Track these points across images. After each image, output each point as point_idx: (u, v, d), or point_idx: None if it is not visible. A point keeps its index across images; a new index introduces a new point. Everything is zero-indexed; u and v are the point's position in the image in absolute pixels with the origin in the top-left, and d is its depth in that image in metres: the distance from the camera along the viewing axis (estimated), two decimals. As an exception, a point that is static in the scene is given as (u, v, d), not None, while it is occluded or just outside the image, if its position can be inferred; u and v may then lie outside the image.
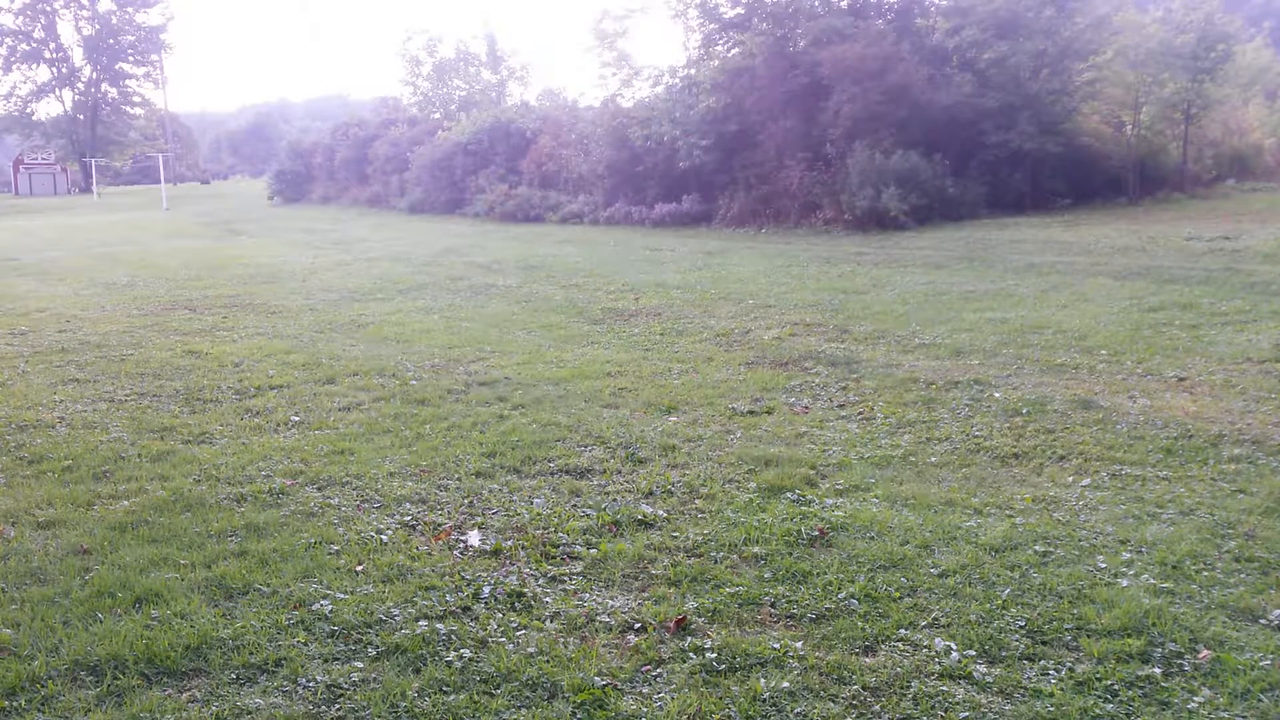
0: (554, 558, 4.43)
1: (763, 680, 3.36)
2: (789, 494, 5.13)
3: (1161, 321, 9.20)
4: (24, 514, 5.06)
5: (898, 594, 3.97)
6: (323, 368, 8.50)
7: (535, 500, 5.15)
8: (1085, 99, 22.02)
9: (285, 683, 3.42)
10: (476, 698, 3.31)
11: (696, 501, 5.07)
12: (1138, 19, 22.51)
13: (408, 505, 5.10)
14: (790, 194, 21.69)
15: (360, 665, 3.52)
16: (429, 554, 4.46)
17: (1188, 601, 3.83)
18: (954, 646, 3.54)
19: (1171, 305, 9.92)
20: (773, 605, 3.91)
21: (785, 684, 3.34)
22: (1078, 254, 14.20)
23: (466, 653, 3.58)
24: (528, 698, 3.32)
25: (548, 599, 4.02)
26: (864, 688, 3.32)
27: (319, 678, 3.44)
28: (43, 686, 3.42)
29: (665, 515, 4.88)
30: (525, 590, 4.07)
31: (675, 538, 4.60)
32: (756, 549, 4.43)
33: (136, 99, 75.09)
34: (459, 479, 5.49)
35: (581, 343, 9.46)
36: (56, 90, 72.94)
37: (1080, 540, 4.44)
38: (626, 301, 11.91)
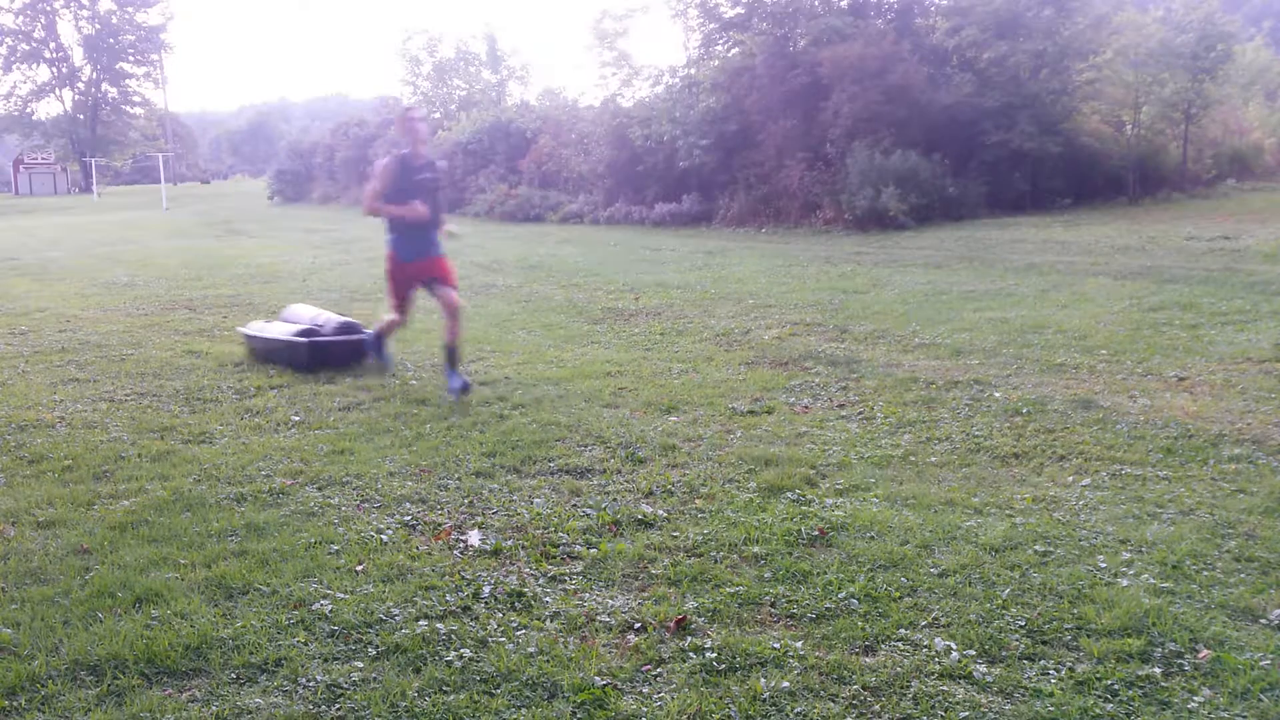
0: (554, 557, 4.43)
1: (763, 680, 3.36)
2: (789, 494, 5.13)
3: (1161, 321, 9.20)
4: (24, 514, 5.06)
5: (898, 594, 3.97)
6: (323, 367, 8.49)
7: (535, 500, 5.15)
8: (1085, 99, 22.01)
9: (285, 682, 3.42)
10: (476, 697, 3.31)
11: (696, 501, 5.07)
12: (1138, 19, 22.50)
13: (408, 505, 5.10)
14: (790, 194, 21.69)
15: (360, 665, 3.52)
16: (429, 554, 4.46)
17: (1188, 601, 3.83)
18: (954, 646, 3.54)
19: (1171, 305, 9.91)
20: (773, 605, 3.91)
21: (785, 684, 3.33)
22: (1078, 254, 14.20)
23: (467, 652, 3.58)
24: (528, 697, 3.32)
25: (548, 599, 4.02)
26: (864, 687, 3.32)
27: (319, 677, 3.44)
28: (43, 686, 3.42)
29: (665, 515, 4.88)
30: (525, 590, 4.07)
31: (675, 537, 4.60)
32: (756, 549, 4.43)
33: (137, 99, 75.17)
34: (459, 479, 5.49)
35: (581, 342, 9.46)
36: (56, 90, 72.97)
37: (1080, 540, 4.44)
38: (626, 301, 11.91)
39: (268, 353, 8.72)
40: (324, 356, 8.30)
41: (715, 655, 3.52)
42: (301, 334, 8.38)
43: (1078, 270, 12.62)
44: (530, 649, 3.60)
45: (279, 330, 8.69)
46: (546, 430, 6.40)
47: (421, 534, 4.73)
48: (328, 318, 8.82)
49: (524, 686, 3.37)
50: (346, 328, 8.59)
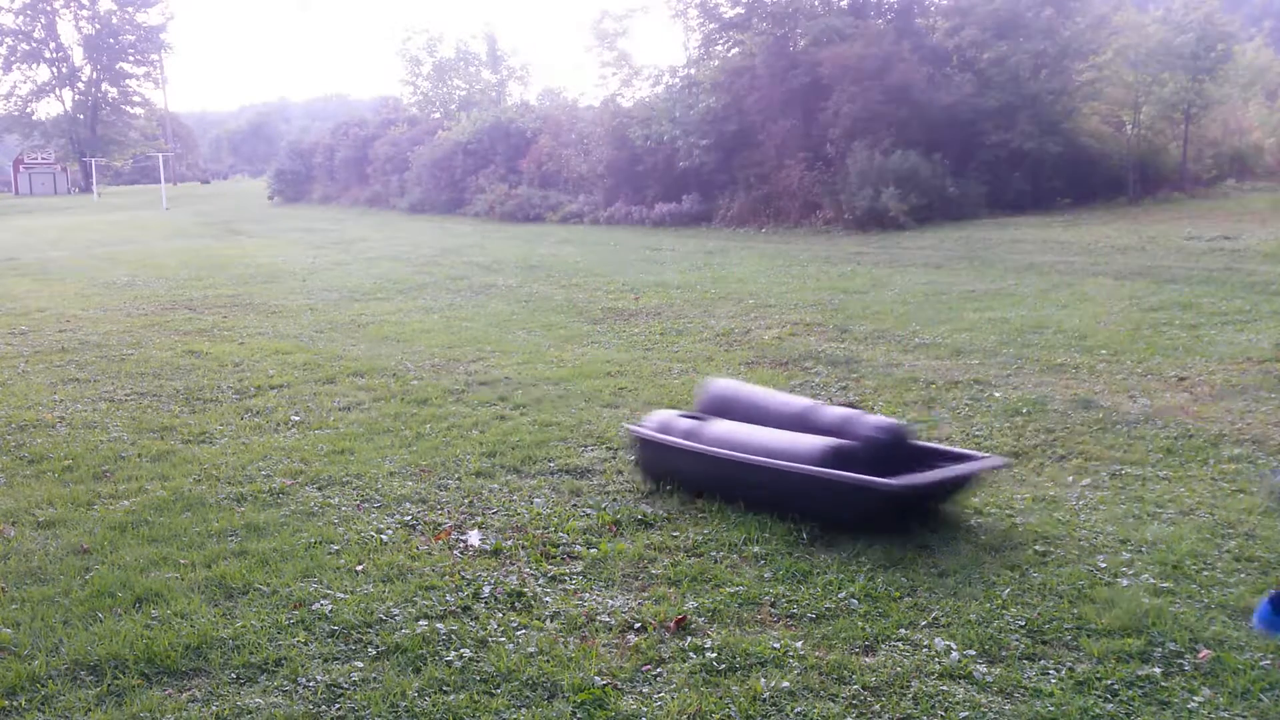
0: (554, 557, 4.43)
1: (763, 680, 3.36)
2: (789, 494, 5.12)
3: (1161, 321, 9.20)
4: (24, 514, 5.06)
5: (898, 594, 3.97)
6: (323, 367, 8.50)
7: (535, 500, 5.15)
8: (1085, 99, 22.01)
9: (285, 682, 3.42)
10: (476, 697, 3.31)
11: (696, 501, 5.07)
12: (1138, 19, 22.51)
13: (408, 505, 5.10)
14: (790, 194, 21.68)
15: (360, 665, 3.52)
16: (429, 554, 4.46)
17: (1188, 601, 3.83)
18: (954, 646, 3.54)
19: (1171, 305, 9.91)
20: (773, 605, 3.91)
21: (785, 684, 3.33)
22: (1078, 254, 14.19)
23: (467, 652, 3.58)
24: (528, 697, 3.32)
25: (548, 599, 4.02)
26: (864, 687, 3.32)
27: (319, 677, 3.44)
28: (43, 686, 3.42)
29: (665, 515, 4.88)
30: (525, 590, 4.07)
31: (675, 538, 4.60)
32: (756, 549, 4.43)
33: (137, 99, 74.99)
34: (459, 479, 5.49)
35: (581, 342, 9.45)
36: (56, 90, 72.83)
37: (1080, 540, 4.44)
38: (626, 301, 11.91)
39: (723, 481, 4.86)
40: (909, 504, 4.53)
41: (715, 655, 3.52)
42: (837, 456, 4.49)
43: (1078, 270, 12.62)
44: (530, 649, 3.60)
45: (757, 441, 4.73)
46: (546, 430, 6.39)
47: (421, 534, 4.72)
48: (840, 414, 4.92)
49: (524, 686, 3.37)
50: (897, 441, 4.74)
